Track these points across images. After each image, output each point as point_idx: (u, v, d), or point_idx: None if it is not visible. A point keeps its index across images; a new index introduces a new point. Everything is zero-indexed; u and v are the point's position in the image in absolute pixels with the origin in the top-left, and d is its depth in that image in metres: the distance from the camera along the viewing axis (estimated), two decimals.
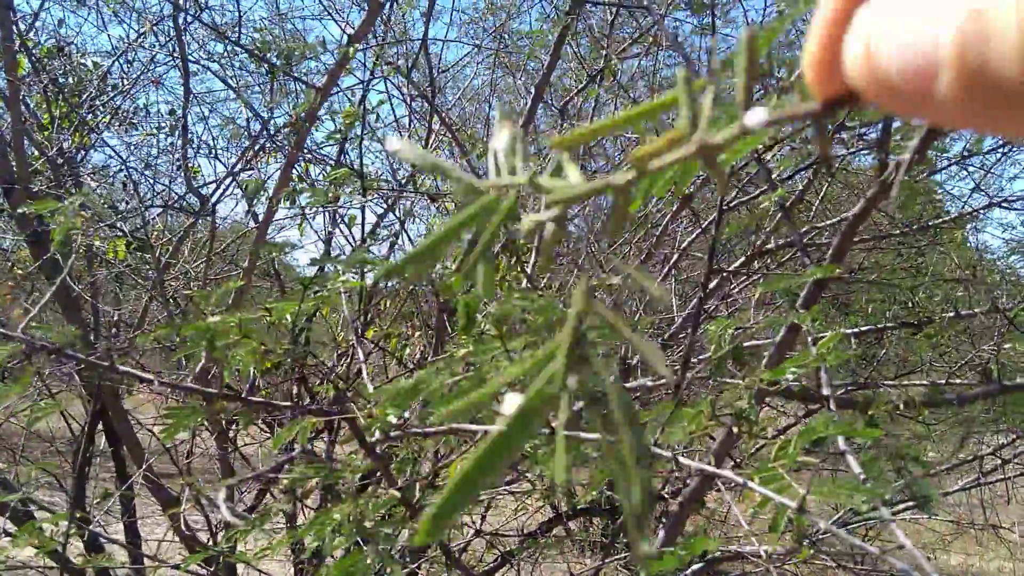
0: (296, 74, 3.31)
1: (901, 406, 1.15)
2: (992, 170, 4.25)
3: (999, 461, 3.79)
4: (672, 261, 3.55)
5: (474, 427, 0.95)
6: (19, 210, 3.09)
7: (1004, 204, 4.14)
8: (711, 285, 3.25)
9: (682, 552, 0.85)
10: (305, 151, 4.20)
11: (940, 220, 4.20)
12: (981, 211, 4.13)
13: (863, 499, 0.75)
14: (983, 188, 4.21)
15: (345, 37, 2.77)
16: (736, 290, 3.56)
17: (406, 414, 0.96)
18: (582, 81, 4.66)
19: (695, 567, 2.78)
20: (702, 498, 1.52)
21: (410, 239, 4.59)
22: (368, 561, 0.81)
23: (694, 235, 3.58)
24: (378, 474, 1.58)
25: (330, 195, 2.47)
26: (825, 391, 1.08)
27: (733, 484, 0.79)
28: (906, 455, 0.94)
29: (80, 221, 1.43)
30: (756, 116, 0.32)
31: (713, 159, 0.32)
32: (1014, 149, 4.18)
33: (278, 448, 1.33)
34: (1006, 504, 5.62)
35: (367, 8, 2.61)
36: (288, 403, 1.17)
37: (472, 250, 0.42)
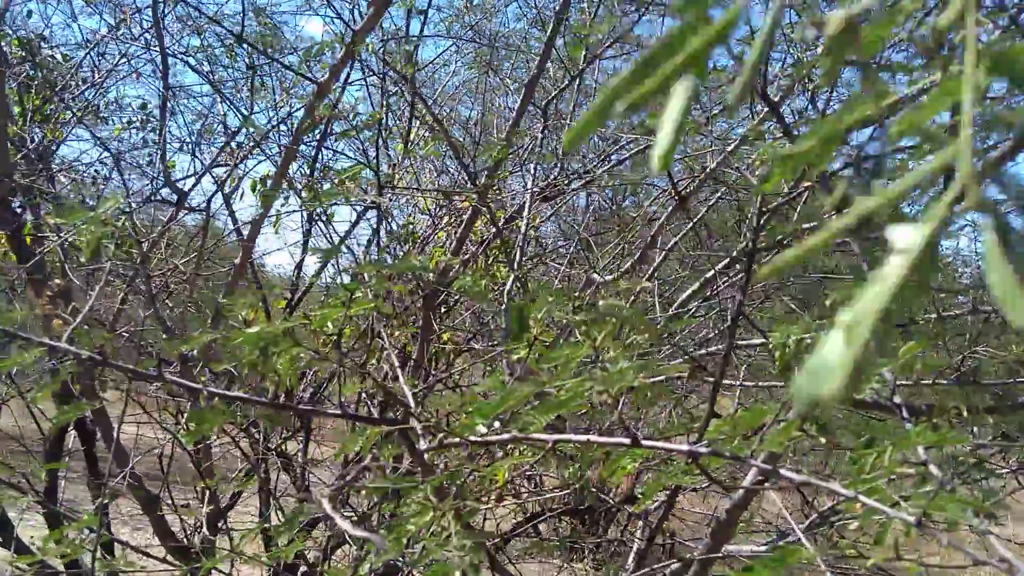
0: (303, 72, 3.24)
1: (964, 412, 1.17)
2: None
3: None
4: (657, 262, 3.57)
5: (542, 436, 0.94)
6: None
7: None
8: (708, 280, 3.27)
9: (774, 561, 0.85)
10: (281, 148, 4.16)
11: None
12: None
13: (972, 512, 0.77)
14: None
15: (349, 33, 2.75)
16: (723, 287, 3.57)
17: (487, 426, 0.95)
18: (561, 80, 4.68)
19: (674, 567, 2.80)
20: (748, 505, 1.54)
21: (392, 233, 4.56)
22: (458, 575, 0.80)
23: (682, 232, 3.61)
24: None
25: (346, 192, 2.44)
26: (896, 399, 1.09)
27: (839, 497, 0.80)
28: (969, 461, 0.96)
29: (110, 231, 1.40)
30: None
31: None
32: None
33: (340, 456, 1.32)
34: None
35: (372, 6, 2.59)
36: (337, 411, 1.16)
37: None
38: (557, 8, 3.18)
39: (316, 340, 1.32)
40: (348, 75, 4.12)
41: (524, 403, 0.90)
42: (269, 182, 3.89)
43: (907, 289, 0.27)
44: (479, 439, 1.06)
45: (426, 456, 1.18)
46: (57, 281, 2.45)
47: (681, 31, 0.33)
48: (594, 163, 4.69)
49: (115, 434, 2.07)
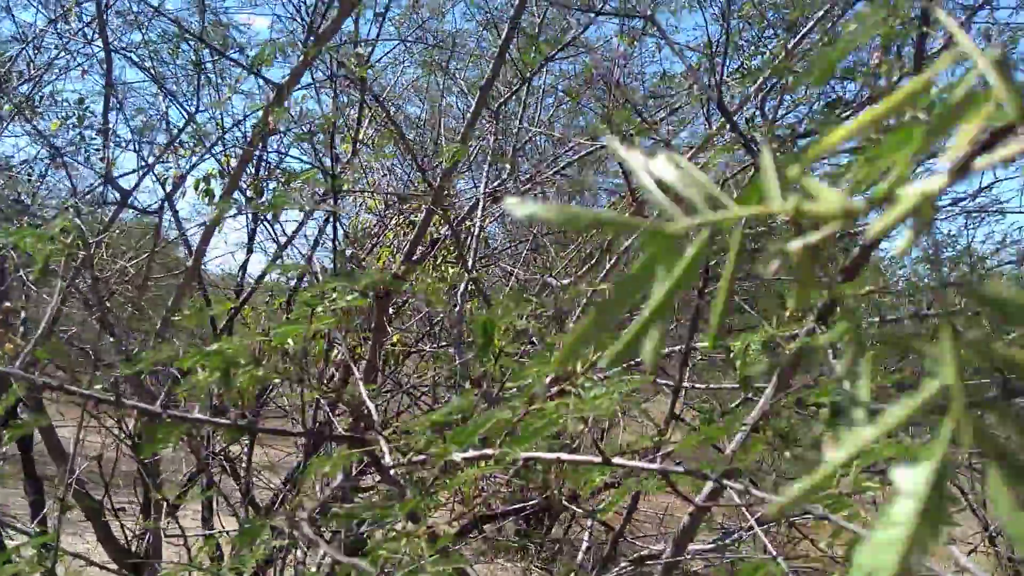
0: (262, 74, 3.19)
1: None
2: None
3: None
4: (610, 265, 3.60)
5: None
6: None
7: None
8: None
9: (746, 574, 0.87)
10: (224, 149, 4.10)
11: (858, 229, 4.36)
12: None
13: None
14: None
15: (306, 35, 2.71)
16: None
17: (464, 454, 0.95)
18: (512, 82, 4.68)
19: (622, 566, 2.83)
20: (709, 509, 1.57)
21: (344, 236, 4.52)
22: None
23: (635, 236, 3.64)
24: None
25: (300, 199, 2.41)
26: None
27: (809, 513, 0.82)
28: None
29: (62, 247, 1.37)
30: None
31: None
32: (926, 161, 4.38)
33: (313, 477, 1.31)
34: None
35: (338, 7, 2.56)
36: (301, 431, 1.15)
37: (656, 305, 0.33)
38: (511, 14, 3.19)
39: (274, 351, 1.30)
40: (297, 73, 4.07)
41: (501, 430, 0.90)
42: (213, 180, 3.83)
43: (921, 533, 0.27)
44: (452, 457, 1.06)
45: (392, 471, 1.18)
46: (7, 305, 2.37)
47: (646, 266, 0.33)
48: (545, 165, 4.69)
49: (72, 448, 2.02)
